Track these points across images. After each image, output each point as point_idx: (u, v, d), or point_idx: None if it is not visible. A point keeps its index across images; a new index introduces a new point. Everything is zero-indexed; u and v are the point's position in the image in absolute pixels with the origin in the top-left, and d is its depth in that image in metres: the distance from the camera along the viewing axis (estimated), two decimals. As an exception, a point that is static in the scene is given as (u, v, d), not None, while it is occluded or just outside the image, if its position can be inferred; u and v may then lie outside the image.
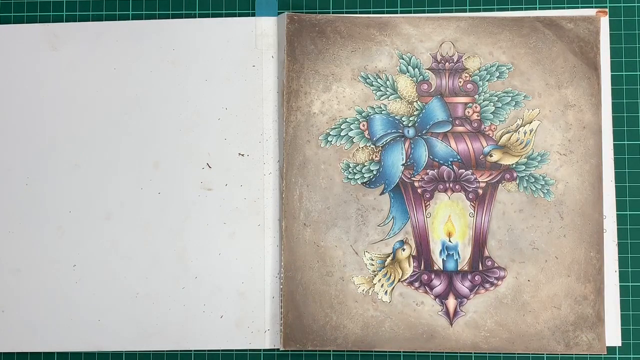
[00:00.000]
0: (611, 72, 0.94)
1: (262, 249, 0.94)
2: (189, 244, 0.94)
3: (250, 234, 0.94)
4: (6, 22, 0.97)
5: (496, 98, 0.93)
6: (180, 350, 0.94)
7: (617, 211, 0.93)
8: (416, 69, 0.93)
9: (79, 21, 0.97)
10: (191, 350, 0.94)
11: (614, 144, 0.93)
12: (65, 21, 0.97)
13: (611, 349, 0.93)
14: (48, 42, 0.96)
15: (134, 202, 0.94)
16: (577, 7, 0.95)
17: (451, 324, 0.91)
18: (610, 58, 0.94)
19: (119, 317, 0.93)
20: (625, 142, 0.94)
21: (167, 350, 0.94)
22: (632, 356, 0.93)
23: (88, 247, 0.94)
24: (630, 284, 0.93)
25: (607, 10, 0.94)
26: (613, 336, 0.92)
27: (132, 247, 0.94)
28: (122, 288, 0.93)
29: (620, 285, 0.93)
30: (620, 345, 0.92)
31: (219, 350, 0.94)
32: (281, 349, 0.92)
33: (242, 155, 0.94)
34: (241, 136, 0.94)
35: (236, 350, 0.94)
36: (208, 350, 0.94)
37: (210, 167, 0.94)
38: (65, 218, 0.94)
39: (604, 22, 0.94)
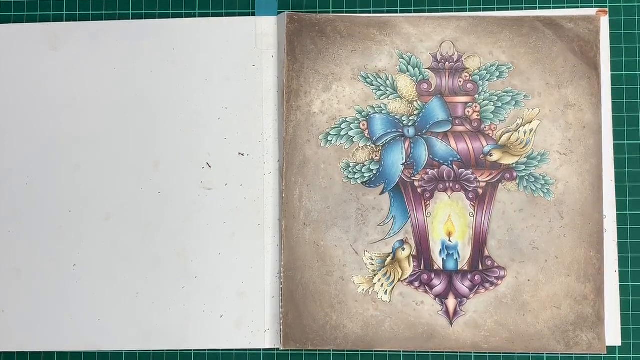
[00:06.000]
0: (611, 72, 0.94)
1: (262, 248, 0.94)
2: (189, 244, 0.94)
3: (250, 234, 0.94)
4: (6, 22, 0.97)
5: (496, 98, 0.93)
6: (180, 350, 0.94)
7: (617, 211, 0.93)
8: (416, 69, 0.93)
9: (79, 21, 0.97)
10: (191, 350, 0.94)
11: (614, 143, 0.93)
12: (65, 21, 0.97)
13: (611, 349, 0.93)
14: (48, 42, 0.96)
15: (134, 202, 0.94)
16: (577, 7, 0.95)
17: (451, 324, 0.91)
18: (610, 58, 0.94)
19: (119, 317, 0.93)
20: (625, 142, 0.94)
21: (167, 350, 0.94)
22: (632, 356, 0.93)
23: (88, 247, 0.94)
24: (630, 284, 0.93)
25: (607, 10, 0.94)
26: (613, 336, 0.92)
27: (132, 247, 0.94)
28: (122, 288, 0.93)
29: (620, 285, 0.93)
30: (620, 345, 0.92)
31: (218, 350, 0.94)
32: (281, 348, 0.92)
33: (242, 154, 0.94)
34: (241, 136, 0.94)
35: (236, 350, 0.94)
36: (208, 350, 0.94)
37: (210, 166, 0.94)
38: (65, 218, 0.94)
39: (604, 22, 0.94)
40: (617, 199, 0.93)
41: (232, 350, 0.94)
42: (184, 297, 0.93)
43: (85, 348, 0.93)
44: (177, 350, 0.94)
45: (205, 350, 0.94)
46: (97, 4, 0.97)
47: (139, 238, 0.94)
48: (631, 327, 0.93)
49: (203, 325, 0.93)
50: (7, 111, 0.95)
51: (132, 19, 0.97)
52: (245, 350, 0.94)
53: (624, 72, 0.94)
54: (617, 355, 0.93)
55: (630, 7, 0.95)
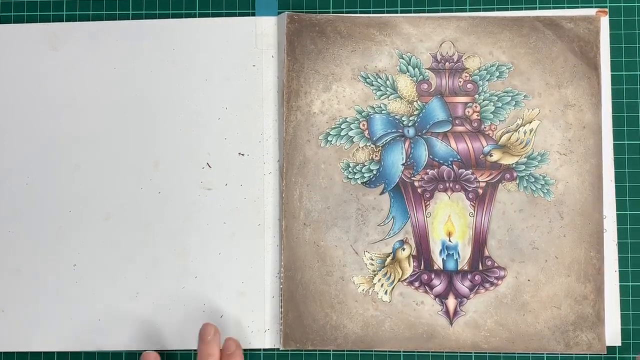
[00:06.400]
0: (611, 72, 0.94)
1: (262, 248, 0.94)
2: (189, 244, 0.94)
3: (250, 234, 0.94)
4: (6, 22, 0.97)
5: (496, 98, 0.93)
6: (180, 350, 0.94)
7: (617, 211, 0.93)
8: (416, 69, 0.93)
9: (79, 21, 0.97)
10: (191, 350, 0.94)
11: (614, 143, 0.93)
12: (65, 21, 0.97)
13: (611, 349, 0.92)
14: (48, 42, 0.96)
15: (134, 201, 0.94)
16: (577, 7, 0.95)
17: (451, 324, 0.91)
18: (610, 58, 0.94)
19: (119, 316, 0.93)
20: (625, 142, 0.94)
21: (167, 350, 0.94)
22: (632, 356, 0.93)
23: (88, 247, 0.94)
24: (630, 284, 0.93)
25: (607, 10, 0.94)
26: (613, 336, 0.92)
27: (132, 246, 0.94)
28: (122, 288, 0.93)
29: (620, 285, 0.92)
30: (620, 345, 0.92)
31: (219, 350, 0.94)
32: (281, 348, 0.92)
33: (242, 154, 0.94)
34: (241, 136, 0.94)
35: (236, 350, 0.94)
36: (208, 350, 0.94)
37: (210, 166, 0.94)
38: (65, 218, 0.94)
39: (604, 22, 0.94)
40: (617, 199, 0.93)
41: (232, 350, 0.94)
42: (184, 297, 0.93)
43: (85, 348, 0.93)
44: (177, 350, 0.94)
45: (205, 350, 0.94)
46: (97, 4, 0.97)
47: (139, 238, 0.94)
48: (631, 327, 0.93)
49: (203, 325, 0.93)
50: (7, 111, 0.95)
51: (132, 19, 0.97)
52: (245, 350, 0.94)
53: (624, 72, 0.94)
54: (617, 355, 0.93)
55: (630, 7, 0.95)
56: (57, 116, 0.95)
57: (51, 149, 0.95)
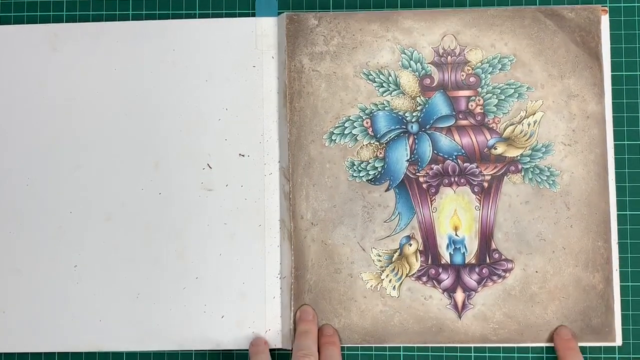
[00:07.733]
0: (611, 72, 0.94)
1: (262, 249, 0.93)
2: (190, 245, 0.93)
3: (251, 235, 0.93)
4: (6, 22, 0.97)
5: (499, 90, 0.93)
6: (181, 350, 0.93)
7: (617, 211, 0.93)
8: (418, 64, 0.94)
9: (79, 21, 0.97)
10: (192, 350, 0.93)
11: (614, 144, 0.94)
12: (65, 21, 0.97)
13: (611, 349, 0.92)
14: (48, 42, 0.95)
15: (135, 202, 0.93)
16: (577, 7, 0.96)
17: (460, 317, 0.91)
18: (611, 58, 0.95)
19: (120, 317, 0.92)
20: (625, 142, 0.94)
21: (167, 350, 0.93)
22: (632, 356, 0.92)
23: (89, 248, 0.93)
24: (630, 284, 0.93)
25: (607, 8, 0.95)
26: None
27: (132, 247, 0.93)
28: (122, 288, 0.92)
29: (620, 285, 0.92)
30: (620, 345, 0.92)
31: (219, 351, 0.93)
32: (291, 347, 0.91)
33: (243, 155, 0.94)
34: (242, 137, 0.94)
35: (237, 350, 0.93)
36: (209, 350, 0.93)
37: (210, 167, 0.94)
38: (65, 218, 0.93)
39: (605, 20, 0.94)
40: (617, 199, 0.93)
41: (233, 350, 0.93)
42: (185, 297, 0.92)
43: (86, 348, 0.92)
44: (178, 351, 0.93)
45: (206, 350, 0.93)
46: (97, 5, 0.97)
47: (139, 239, 0.93)
48: (631, 327, 0.93)
49: (204, 326, 0.92)
50: (7, 112, 0.95)
51: (132, 19, 0.97)
52: (246, 350, 0.93)
53: (624, 73, 0.95)
54: (617, 356, 0.93)
55: (630, 7, 0.96)
56: (58, 117, 0.94)
57: (51, 149, 0.94)
